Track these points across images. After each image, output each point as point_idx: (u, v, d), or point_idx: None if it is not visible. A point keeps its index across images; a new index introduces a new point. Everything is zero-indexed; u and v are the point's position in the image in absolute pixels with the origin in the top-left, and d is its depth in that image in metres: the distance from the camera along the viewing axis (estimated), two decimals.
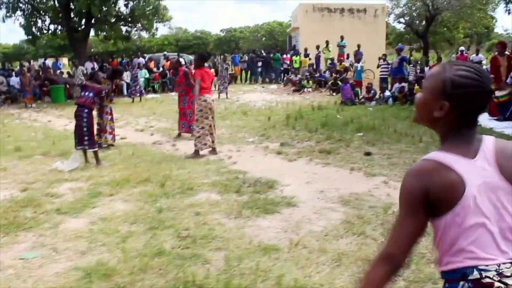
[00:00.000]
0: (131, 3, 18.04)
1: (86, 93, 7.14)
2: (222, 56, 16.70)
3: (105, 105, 8.39)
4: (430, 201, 1.41)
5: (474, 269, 1.37)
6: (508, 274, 1.36)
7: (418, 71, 14.96)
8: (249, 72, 22.87)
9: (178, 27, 67.97)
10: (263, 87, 20.22)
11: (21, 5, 18.67)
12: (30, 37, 19.36)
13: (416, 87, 12.67)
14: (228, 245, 4.06)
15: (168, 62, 18.27)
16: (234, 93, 17.98)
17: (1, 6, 18.48)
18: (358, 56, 17.16)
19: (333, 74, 16.39)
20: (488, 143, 1.47)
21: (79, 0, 15.97)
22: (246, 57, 22.91)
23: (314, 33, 19.96)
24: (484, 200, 1.40)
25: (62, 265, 3.86)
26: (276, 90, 18.58)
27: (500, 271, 1.36)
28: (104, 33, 18.98)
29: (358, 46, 17.77)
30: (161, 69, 19.93)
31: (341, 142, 8.15)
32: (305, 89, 17.16)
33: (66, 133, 10.09)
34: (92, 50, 43.91)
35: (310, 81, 17.67)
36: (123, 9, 18.70)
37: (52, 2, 17.62)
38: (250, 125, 10.35)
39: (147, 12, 18.01)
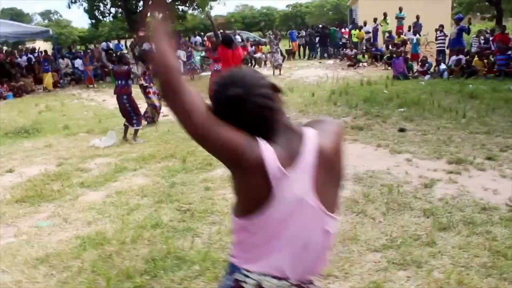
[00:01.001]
0: None
1: (119, 82, 7.42)
2: (272, 33, 16.49)
3: (150, 86, 8.66)
4: None
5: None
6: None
7: (483, 41, 13.90)
8: (307, 48, 22.47)
9: (245, 5, 68.23)
10: (320, 62, 19.81)
11: None
12: (94, 21, 20.28)
13: (476, 59, 11.80)
14: (224, 220, 4.09)
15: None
16: (289, 69, 17.77)
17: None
18: (416, 27, 16.22)
19: (389, 47, 15.64)
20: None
21: None
22: (303, 33, 22.49)
23: (373, 5, 19.09)
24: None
25: (67, 234, 4.11)
26: (331, 66, 18.11)
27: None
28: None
29: (417, 17, 16.76)
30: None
31: (378, 118, 7.84)
32: (361, 64, 16.58)
33: (114, 112, 10.51)
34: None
35: (366, 56, 17.02)
36: None
37: None
38: (291, 101, 10.19)
39: None
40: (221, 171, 5.52)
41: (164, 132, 8.05)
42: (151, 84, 8.81)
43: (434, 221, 3.75)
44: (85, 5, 19.91)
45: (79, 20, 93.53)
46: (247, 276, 1.40)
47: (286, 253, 1.41)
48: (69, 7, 20.19)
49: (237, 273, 1.43)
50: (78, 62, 18.50)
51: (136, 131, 7.51)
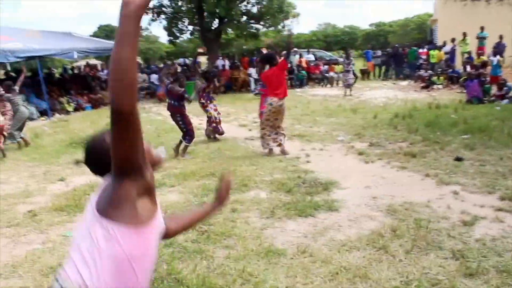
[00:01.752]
0: (255, 2, 18.56)
1: (172, 102, 7.63)
2: (345, 52, 16.16)
3: (207, 103, 8.85)
4: None
5: None
6: None
7: None
8: (382, 68, 21.82)
9: (327, 23, 68.00)
10: (394, 83, 19.11)
11: (164, 9, 20.54)
12: (172, 38, 21.19)
13: None
14: (237, 245, 3.97)
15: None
16: (360, 89, 17.33)
17: (149, 11, 20.56)
18: (498, 48, 15.11)
19: (467, 69, 14.69)
20: None
21: (207, 2, 17.04)
22: (379, 52, 21.89)
23: (453, 25, 18.10)
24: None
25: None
26: (405, 87, 17.39)
27: None
28: (232, 31, 19.94)
29: (500, 37, 15.61)
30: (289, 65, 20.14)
31: (436, 144, 7.30)
32: (434, 86, 15.73)
33: (174, 127, 10.82)
34: (244, 47, 46.49)
35: (441, 77, 16.13)
36: (252, 8, 19.39)
37: (189, 5, 19.01)
38: (351, 123, 9.88)
39: (272, 10, 18.32)
40: (254, 193, 5.44)
41: (214, 149, 8.11)
42: (208, 102, 8.97)
43: (462, 265, 3.36)
44: (164, 22, 20.88)
45: (165, 36, 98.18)
46: None
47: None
48: (149, 25, 21.25)
49: None
50: (154, 77, 19.42)
51: (185, 147, 7.65)
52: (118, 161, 1.40)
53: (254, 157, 7.36)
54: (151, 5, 20.45)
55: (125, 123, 1.31)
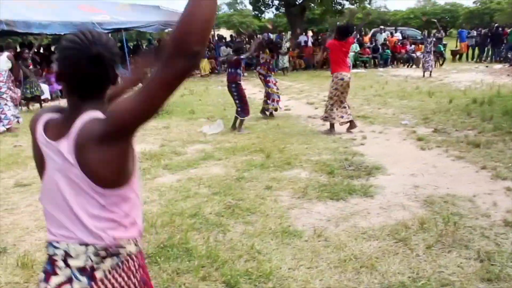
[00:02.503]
0: None
1: (229, 70, 7.69)
2: (426, 31, 15.07)
3: (268, 75, 8.81)
4: None
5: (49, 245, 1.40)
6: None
7: None
8: (476, 49, 20.18)
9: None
10: (486, 66, 17.63)
11: None
12: (257, 12, 21.21)
13: None
14: (258, 222, 3.99)
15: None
16: (446, 72, 16.24)
17: None
18: None
19: None
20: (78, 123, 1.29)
21: None
22: (474, 32, 20.22)
23: None
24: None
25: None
26: (497, 71, 15.96)
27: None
28: (315, 7, 19.48)
29: None
30: (373, 43, 19.36)
31: (508, 135, 6.67)
32: None
33: None
34: (337, 23, 45.45)
35: None
36: None
37: None
38: (423, 107, 9.32)
39: None
40: (296, 172, 5.39)
41: (273, 126, 8.11)
42: (270, 74, 8.91)
43: (483, 267, 3.09)
44: None
45: None
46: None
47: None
48: None
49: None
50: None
51: (241, 122, 7.71)
52: (143, 113, 1.21)
53: (309, 135, 7.26)
54: None
55: (183, 66, 1.11)
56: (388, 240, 3.55)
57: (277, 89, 9.04)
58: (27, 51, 11.20)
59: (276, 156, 6.04)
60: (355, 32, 7.37)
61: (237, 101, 7.69)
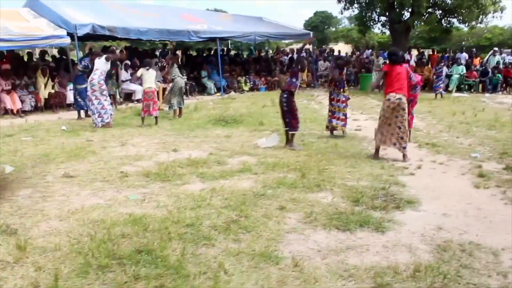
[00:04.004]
0: None
1: (288, 79, 7.59)
2: None
3: (336, 93, 8.54)
4: None
5: None
6: None
7: None
8: None
9: None
10: None
11: None
12: (362, 27, 20.67)
13: None
14: (246, 241, 3.88)
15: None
16: None
17: (342, 0, 20.41)
18: None
19: None
20: None
21: None
22: None
23: None
24: None
25: (130, 209, 4.65)
26: None
27: None
28: (420, 24, 18.33)
29: None
30: (483, 66, 17.74)
31: None
32: None
33: (317, 117, 10.79)
34: (463, 43, 42.56)
35: None
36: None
37: None
38: (509, 140, 8.30)
39: (467, 3, 16.08)
40: (320, 196, 5.15)
41: (331, 145, 7.81)
42: (339, 91, 8.58)
43: None
44: (356, 11, 20.49)
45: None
46: None
47: None
48: (341, 13, 21.14)
49: None
50: (326, 65, 19.43)
51: (292, 136, 7.54)
52: None
53: (361, 159, 6.86)
54: None
55: None
56: (365, 283, 3.21)
57: (345, 107, 8.66)
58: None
59: (311, 177, 5.80)
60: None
61: (285, 113, 7.51)
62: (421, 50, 21.77)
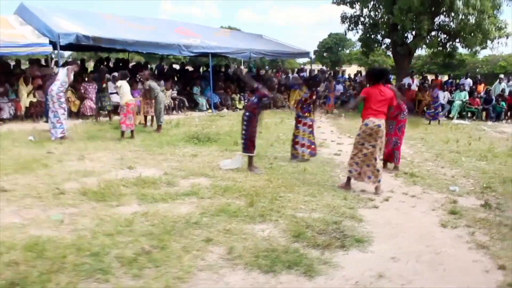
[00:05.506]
0: (453, 16, 15.89)
1: (253, 98, 7.10)
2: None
3: (304, 116, 7.95)
4: None
5: None
6: None
7: None
8: None
9: None
10: None
11: (362, 19, 19.66)
12: (365, 49, 20.18)
13: None
14: (145, 277, 3.37)
15: None
16: None
17: (346, 21, 19.97)
18: None
19: None
20: None
21: (395, 15, 15.47)
22: None
23: None
24: None
25: (43, 230, 4.21)
26: None
27: None
28: (422, 48, 17.77)
29: None
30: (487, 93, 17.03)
31: None
32: None
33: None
34: (477, 70, 41.78)
35: None
36: (450, 23, 16.75)
37: (386, 16, 17.63)
38: (498, 172, 7.64)
39: (469, 28, 15.46)
40: (258, 228, 4.61)
41: (299, 170, 7.22)
42: (306, 114, 7.96)
43: None
44: (360, 33, 20.03)
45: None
46: None
47: None
48: (345, 34, 20.66)
49: None
50: (339, 87, 18.96)
51: (250, 159, 7.02)
52: None
53: (324, 187, 6.28)
54: (349, 14, 19.93)
55: None
56: None
57: (312, 132, 8.04)
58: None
59: (260, 205, 5.26)
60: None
61: (243, 134, 7.01)
62: (424, 75, 21.09)
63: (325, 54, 62.52)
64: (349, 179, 6.27)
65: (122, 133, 9.47)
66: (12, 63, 14.53)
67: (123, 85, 9.56)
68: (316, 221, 4.81)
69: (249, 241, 4.20)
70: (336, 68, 48.60)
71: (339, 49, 62.58)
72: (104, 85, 12.03)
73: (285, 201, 5.50)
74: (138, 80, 10.74)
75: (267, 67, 31.60)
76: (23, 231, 4.23)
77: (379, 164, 6.15)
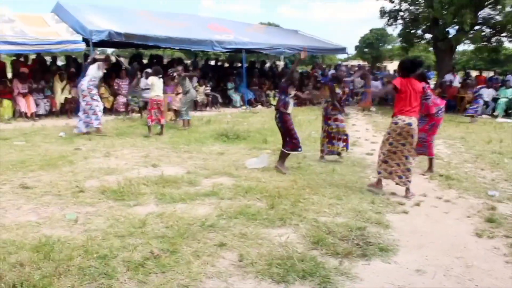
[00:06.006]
0: (500, 8, 14.98)
1: (278, 96, 6.87)
2: None
3: (333, 113, 7.62)
4: None
5: None
6: None
7: None
8: None
9: None
10: None
11: (401, 13, 18.98)
12: (405, 44, 19.51)
13: None
14: (150, 284, 3.18)
15: None
16: None
17: (385, 15, 19.32)
18: None
19: None
20: None
21: (435, 9, 14.75)
22: None
23: None
24: None
25: (56, 230, 4.17)
26: None
27: None
28: (465, 43, 16.88)
29: None
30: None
31: None
32: None
33: None
34: None
35: None
36: (496, 16, 15.84)
37: (427, 10, 16.90)
38: None
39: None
40: (275, 233, 4.35)
41: (328, 170, 6.93)
42: (334, 111, 7.63)
43: None
44: (400, 28, 19.36)
45: None
46: None
47: None
48: (384, 29, 20.06)
49: None
50: (374, 84, 18.38)
51: (282, 156, 6.76)
52: None
53: (352, 189, 5.97)
54: (388, 9, 19.28)
55: None
56: None
57: (343, 127, 7.71)
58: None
59: (281, 207, 5.03)
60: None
61: (282, 131, 6.78)
62: (467, 71, 20.15)
63: (366, 50, 61.39)
64: (379, 180, 5.94)
65: (149, 128, 9.45)
66: (50, 60, 14.85)
67: (154, 81, 9.56)
68: (339, 226, 4.53)
69: (264, 247, 3.98)
70: (377, 64, 47.49)
71: (380, 44, 61.17)
72: (134, 82, 12.07)
73: (308, 203, 5.25)
74: (170, 76, 10.69)
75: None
76: (36, 230, 4.19)
77: (410, 163, 5.78)
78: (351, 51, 65.34)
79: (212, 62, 20.15)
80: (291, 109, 6.77)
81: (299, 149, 6.79)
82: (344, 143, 7.77)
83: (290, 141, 6.73)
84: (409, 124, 5.62)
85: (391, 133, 5.74)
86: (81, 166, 6.75)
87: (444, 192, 6.11)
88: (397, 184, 5.83)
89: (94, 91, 9.35)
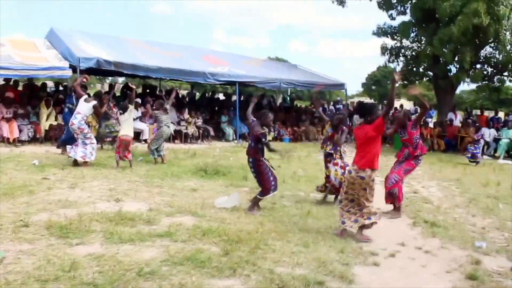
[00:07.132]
0: (499, 47, 14.65)
1: (250, 142, 6.43)
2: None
3: (332, 155, 7.15)
4: None
5: None
6: None
7: None
8: None
9: None
10: None
11: (403, 51, 18.74)
12: (405, 82, 19.17)
13: None
14: None
15: None
16: None
17: (386, 52, 19.07)
18: None
19: None
20: None
21: (435, 46, 14.46)
22: None
23: None
24: None
25: None
26: None
27: None
28: (465, 82, 16.48)
29: None
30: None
31: None
32: None
33: (318, 174, 9.44)
34: None
35: None
36: (495, 54, 15.52)
37: (428, 48, 16.62)
38: None
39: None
40: (222, 284, 3.85)
41: (303, 213, 6.44)
42: (335, 154, 7.17)
43: None
44: (402, 65, 19.07)
45: None
46: None
47: None
48: (385, 66, 19.78)
49: None
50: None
51: (255, 200, 6.33)
52: None
53: (325, 234, 5.48)
54: (389, 45, 19.04)
55: None
56: None
57: (342, 174, 7.10)
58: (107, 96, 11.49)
59: (236, 254, 4.54)
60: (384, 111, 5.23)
61: (255, 178, 6.37)
62: (469, 110, 19.70)
63: (373, 87, 61.58)
64: (344, 230, 5.45)
65: (117, 162, 9.03)
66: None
67: (125, 117, 9.21)
68: (295, 279, 4.03)
69: None
70: (384, 101, 47.27)
71: (388, 82, 61.28)
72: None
73: (268, 250, 4.74)
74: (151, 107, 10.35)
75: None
76: None
77: (367, 207, 5.31)
78: (358, 88, 65.28)
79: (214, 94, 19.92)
80: (265, 154, 6.32)
81: (271, 192, 6.30)
82: (342, 171, 7.10)
83: (264, 186, 6.27)
84: (361, 177, 5.20)
85: (346, 183, 5.42)
86: (40, 197, 6.34)
87: (426, 241, 5.58)
88: (354, 225, 5.37)
89: (86, 130, 8.97)
